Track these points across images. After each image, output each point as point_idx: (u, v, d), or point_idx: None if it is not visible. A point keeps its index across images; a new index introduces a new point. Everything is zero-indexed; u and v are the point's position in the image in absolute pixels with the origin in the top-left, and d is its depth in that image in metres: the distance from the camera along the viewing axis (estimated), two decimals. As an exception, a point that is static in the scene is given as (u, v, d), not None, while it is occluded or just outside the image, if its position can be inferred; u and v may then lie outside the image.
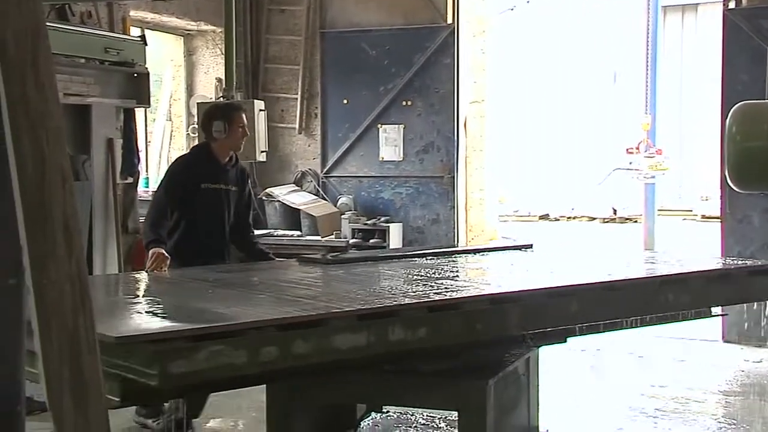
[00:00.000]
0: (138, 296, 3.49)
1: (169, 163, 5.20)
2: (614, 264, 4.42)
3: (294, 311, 2.66)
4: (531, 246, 4.79)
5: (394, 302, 2.85)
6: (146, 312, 2.87)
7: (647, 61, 11.69)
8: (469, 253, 4.62)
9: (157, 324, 2.58)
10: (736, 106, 6.17)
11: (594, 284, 3.48)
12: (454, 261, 4.24)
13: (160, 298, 3.37)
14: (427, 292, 3.10)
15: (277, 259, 4.90)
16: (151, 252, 4.41)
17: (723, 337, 7.18)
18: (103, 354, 2.32)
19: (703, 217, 15.85)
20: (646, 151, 11.28)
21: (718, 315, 3.88)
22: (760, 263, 4.15)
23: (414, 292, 3.08)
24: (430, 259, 4.24)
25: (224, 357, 2.33)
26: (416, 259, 4.26)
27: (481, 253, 4.65)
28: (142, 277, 4.17)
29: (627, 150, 11.65)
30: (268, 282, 3.59)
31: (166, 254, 4.40)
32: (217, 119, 4.77)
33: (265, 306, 2.92)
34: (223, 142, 4.79)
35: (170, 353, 2.24)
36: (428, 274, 3.63)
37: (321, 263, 4.15)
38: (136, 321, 2.73)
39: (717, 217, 8.07)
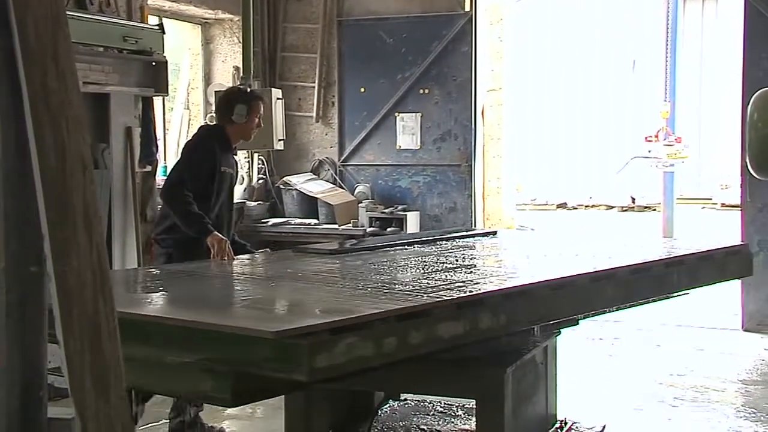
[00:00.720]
0: (214, 292, 3.36)
1: (186, 144, 4.90)
2: (619, 249, 4.46)
3: (391, 301, 2.66)
4: (495, 233, 5.21)
5: (480, 290, 2.87)
6: (257, 308, 2.81)
7: (667, 49, 11.60)
8: (445, 239, 4.63)
9: (297, 319, 2.50)
10: (758, 92, 6.09)
11: (623, 267, 3.55)
12: (452, 249, 4.23)
13: (238, 293, 3.29)
14: (486, 280, 3.13)
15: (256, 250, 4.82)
16: (217, 242, 4.25)
17: (742, 326, 7.13)
18: (212, 350, 2.32)
19: (723, 205, 15.73)
20: (665, 139, 11.20)
21: (681, 295, 3.99)
22: (734, 245, 4.34)
23: (470, 280, 3.12)
24: (421, 247, 4.27)
25: (357, 349, 2.34)
26: (407, 247, 4.30)
27: (459, 239, 4.69)
28: (170, 271, 3.93)
29: (646, 138, 11.57)
30: (306, 273, 3.53)
31: (226, 238, 4.32)
32: (240, 103, 4.65)
33: (354, 297, 2.84)
34: (239, 128, 4.68)
35: (318, 347, 2.23)
36: (451, 263, 3.65)
37: (315, 254, 4.10)
38: (266, 317, 2.66)
39: (737, 206, 8.01)
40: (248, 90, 4.83)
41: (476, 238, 4.82)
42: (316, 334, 2.26)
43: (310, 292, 3.06)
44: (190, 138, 5.01)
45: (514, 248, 4.81)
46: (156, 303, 3.06)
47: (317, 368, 2.22)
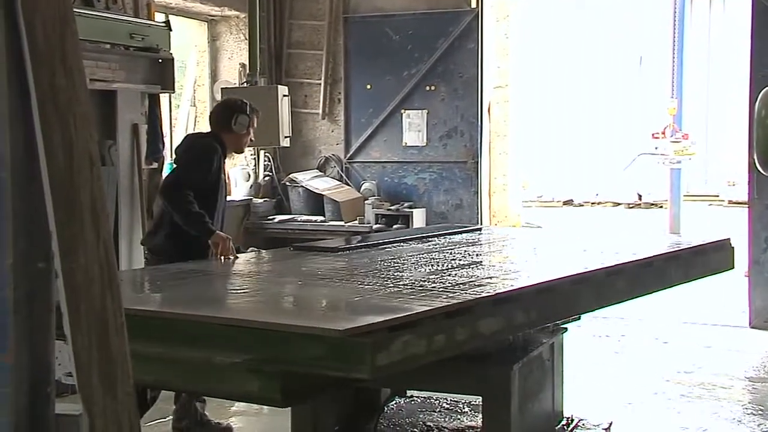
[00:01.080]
0: (252, 292, 3.23)
1: (190, 146, 4.76)
2: (622, 244, 4.49)
3: (432, 298, 2.66)
4: (480, 229, 5.37)
5: (513, 286, 2.88)
6: (304, 306, 2.76)
7: (674, 45, 11.56)
8: (436, 236, 4.65)
9: (357, 317, 2.48)
10: (766, 89, 6.08)
11: (633, 262, 3.62)
12: (451, 246, 4.21)
13: (269, 292, 3.18)
14: (509, 276, 3.16)
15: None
16: (221, 240, 4.23)
17: (750, 323, 7.11)
18: (262, 350, 2.29)
19: (730, 202, 15.68)
20: (672, 135, 11.17)
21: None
22: (717, 240, 4.41)
23: (494, 276, 3.16)
24: (419, 244, 4.29)
25: (412, 347, 2.34)
26: (402, 245, 4.30)
27: (449, 236, 4.72)
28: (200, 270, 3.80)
29: (653, 135, 11.54)
30: (324, 270, 3.50)
31: (229, 237, 4.32)
32: (243, 113, 4.65)
33: (394, 295, 2.80)
34: (236, 138, 4.68)
35: (379, 345, 2.22)
36: (460, 260, 3.66)
37: (316, 252, 4.07)
38: (321, 316, 2.59)
39: (744, 203, 7.98)
40: (249, 103, 4.81)
41: (463, 234, 4.84)
42: (376, 332, 2.24)
43: (343, 290, 3.01)
44: (188, 142, 4.82)
45: (515, 244, 4.80)
46: (192, 302, 2.97)
47: (379, 366, 2.22)
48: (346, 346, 2.20)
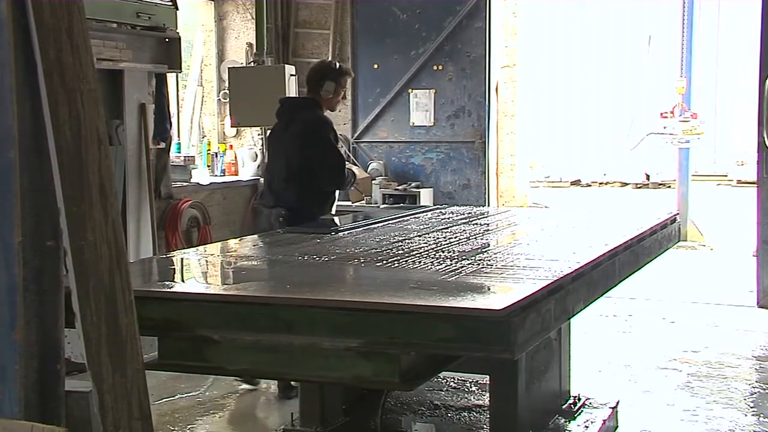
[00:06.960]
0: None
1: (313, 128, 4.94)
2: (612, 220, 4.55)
3: (512, 277, 2.67)
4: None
5: (570, 267, 2.82)
6: (417, 288, 2.55)
7: (683, 23, 11.47)
8: (413, 215, 4.69)
9: (498, 295, 2.48)
10: (775, 68, 6.05)
11: (633, 238, 3.65)
12: (447, 225, 4.19)
13: (355, 274, 3.00)
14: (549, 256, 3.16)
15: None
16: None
17: (758, 303, 7.10)
18: (384, 332, 2.20)
19: (739, 182, 15.64)
20: (680, 115, 11.10)
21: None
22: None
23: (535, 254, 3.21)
24: (408, 224, 4.27)
25: (535, 325, 2.34)
26: (395, 222, 4.34)
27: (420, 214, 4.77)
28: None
29: (661, 114, 11.47)
30: (356, 253, 3.27)
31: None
32: (329, 80, 4.95)
33: (480, 275, 2.73)
34: (326, 101, 5.00)
35: (518, 322, 2.20)
36: (474, 239, 3.64)
37: (311, 234, 3.95)
38: (451, 296, 2.42)
39: (753, 182, 7.95)
40: (336, 65, 5.16)
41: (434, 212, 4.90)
42: (516, 310, 2.22)
43: (410, 272, 2.82)
44: (307, 126, 4.93)
45: (513, 225, 4.70)
46: (282, 287, 2.77)
47: (520, 344, 2.21)
48: (490, 325, 2.15)
